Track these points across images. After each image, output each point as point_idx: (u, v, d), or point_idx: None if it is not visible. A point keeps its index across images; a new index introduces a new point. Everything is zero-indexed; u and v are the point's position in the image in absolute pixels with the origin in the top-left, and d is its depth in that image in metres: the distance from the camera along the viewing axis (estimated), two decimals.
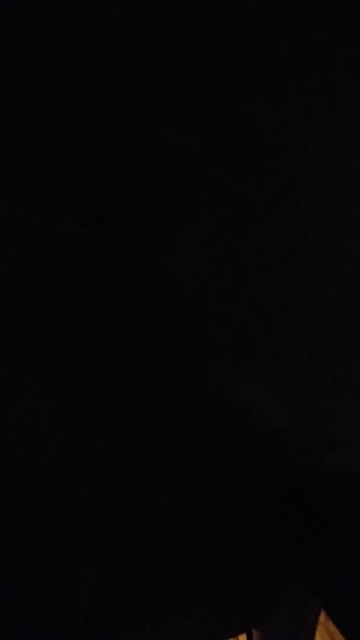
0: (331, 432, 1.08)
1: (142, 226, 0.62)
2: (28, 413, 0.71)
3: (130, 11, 0.46)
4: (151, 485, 0.89)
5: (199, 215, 0.64)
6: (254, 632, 1.40)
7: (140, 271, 0.65)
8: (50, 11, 0.44)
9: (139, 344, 0.73)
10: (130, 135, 0.54)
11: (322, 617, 1.48)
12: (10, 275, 0.58)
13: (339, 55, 0.58)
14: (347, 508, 0.99)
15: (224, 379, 0.85)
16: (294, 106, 0.60)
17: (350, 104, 0.62)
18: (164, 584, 1.04)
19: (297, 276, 0.78)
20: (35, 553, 0.85)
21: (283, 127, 0.61)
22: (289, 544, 1.08)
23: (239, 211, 0.67)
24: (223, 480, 0.99)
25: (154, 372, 0.77)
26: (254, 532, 1.13)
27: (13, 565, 0.84)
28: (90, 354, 0.70)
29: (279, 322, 0.83)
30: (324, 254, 0.78)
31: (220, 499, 1.01)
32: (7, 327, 0.62)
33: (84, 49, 0.46)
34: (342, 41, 0.57)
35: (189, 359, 0.79)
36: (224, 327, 0.78)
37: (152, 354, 0.75)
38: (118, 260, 0.63)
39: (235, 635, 1.45)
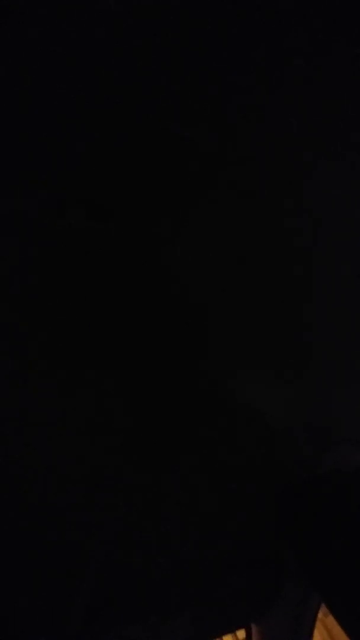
0: (331, 429, 1.09)
1: (145, 220, 0.62)
2: (29, 412, 0.71)
3: (131, 9, 0.46)
4: (151, 484, 0.89)
5: (202, 210, 0.65)
6: (253, 627, 1.40)
7: (143, 264, 0.66)
8: (50, 10, 0.44)
9: (140, 339, 0.73)
10: (134, 130, 0.54)
11: (321, 613, 1.49)
12: (14, 268, 0.58)
13: (340, 54, 0.58)
14: (347, 505, 0.99)
15: (224, 376, 0.86)
16: (295, 104, 0.60)
17: (351, 101, 0.63)
18: (164, 581, 1.05)
19: (298, 275, 0.79)
20: (36, 553, 0.85)
21: (286, 124, 0.61)
22: (289, 541, 1.09)
23: (241, 206, 0.67)
24: (223, 478, 0.99)
25: (154, 368, 0.77)
26: (254, 529, 1.13)
27: (13, 564, 0.84)
28: (91, 349, 0.70)
29: (279, 320, 0.83)
30: (324, 252, 0.78)
31: (221, 496, 1.02)
32: (10, 321, 0.62)
33: (86, 43, 0.47)
34: (343, 40, 0.57)
35: (190, 356, 0.79)
36: (225, 323, 0.79)
37: (153, 350, 0.75)
38: (121, 253, 0.63)
39: (235, 630, 1.45)
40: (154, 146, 0.57)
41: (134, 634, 1.03)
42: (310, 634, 1.40)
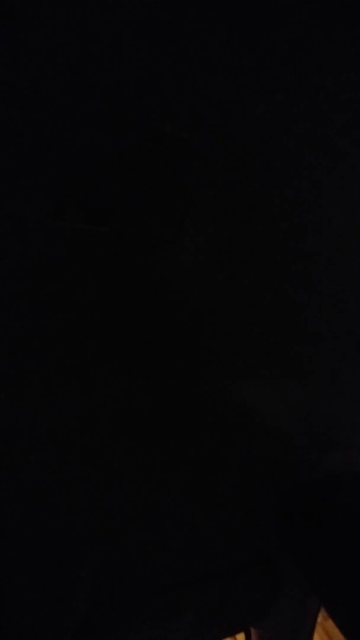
0: (331, 432, 1.09)
1: (146, 222, 0.62)
2: (28, 411, 0.71)
3: (131, 8, 0.46)
4: (151, 485, 0.89)
5: (203, 210, 0.65)
6: (253, 631, 1.40)
7: (143, 267, 0.66)
8: (50, 10, 0.44)
9: (140, 342, 0.73)
10: (133, 130, 0.54)
11: (320, 616, 1.49)
12: (12, 271, 0.58)
13: (339, 53, 0.58)
14: (347, 508, 0.99)
15: (224, 379, 0.86)
16: (295, 102, 0.60)
17: (351, 101, 0.63)
18: (163, 583, 1.05)
19: (298, 276, 0.79)
20: (35, 552, 0.85)
21: (285, 123, 0.61)
22: (289, 543, 1.09)
23: (241, 206, 0.67)
24: (223, 480, 0.99)
25: (155, 371, 0.77)
26: (254, 532, 1.13)
27: (13, 564, 0.84)
28: (91, 351, 0.70)
29: (279, 323, 0.83)
30: (325, 254, 0.79)
31: (221, 498, 1.02)
32: (8, 324, 0.62)
33: (84, 44, 0.47)
34: (342, 39, 0.58)
35: (190, 359, 0.79)
36: (226, 326, 0.79)
37: (153, 352, 0.75)
38: (121, 256, 0.63)
39: (234, 634, 1.45)
40: (154, 148, 0.57)
41: (130, 638, 1.02)
42: (310, 638, 1.40)
